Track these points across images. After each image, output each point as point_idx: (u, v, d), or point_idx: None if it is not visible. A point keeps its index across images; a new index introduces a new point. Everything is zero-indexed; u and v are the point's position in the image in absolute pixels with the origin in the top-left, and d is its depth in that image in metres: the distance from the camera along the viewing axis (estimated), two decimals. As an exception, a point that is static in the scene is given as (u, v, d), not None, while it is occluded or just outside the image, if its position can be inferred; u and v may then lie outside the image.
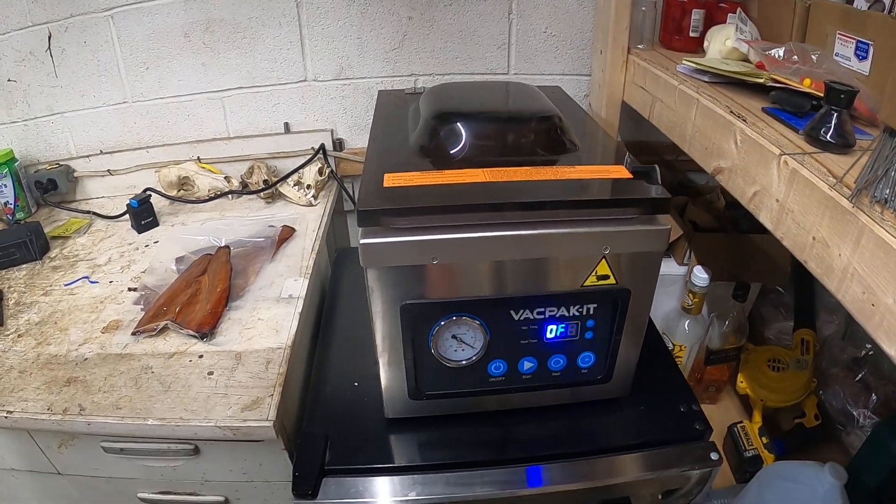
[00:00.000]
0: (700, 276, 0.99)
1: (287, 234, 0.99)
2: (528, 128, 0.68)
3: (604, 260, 0.61)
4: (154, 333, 0.78)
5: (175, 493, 0.79)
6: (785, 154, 0.57)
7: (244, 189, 1.14)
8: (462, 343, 0.66)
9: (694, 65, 0.78)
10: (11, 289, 0.91)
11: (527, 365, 0.69)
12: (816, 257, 0.52)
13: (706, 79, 0.77)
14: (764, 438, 1.01)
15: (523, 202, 0.58)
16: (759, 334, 1.26)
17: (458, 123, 0.67)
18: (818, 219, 0.51)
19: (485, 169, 0.63)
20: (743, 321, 1.06)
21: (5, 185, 1.09)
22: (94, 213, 1.13)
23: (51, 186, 1.14)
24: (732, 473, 1.03)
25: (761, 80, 0.69)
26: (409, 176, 0.62)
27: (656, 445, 0.70)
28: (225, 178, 1.16)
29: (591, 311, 0.66)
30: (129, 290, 0.88)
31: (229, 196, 1.10)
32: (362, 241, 0.56)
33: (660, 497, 0.73)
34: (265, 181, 1.11)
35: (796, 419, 1.05)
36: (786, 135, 0.61)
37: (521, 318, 0.65)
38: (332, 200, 1.16)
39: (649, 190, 0.60)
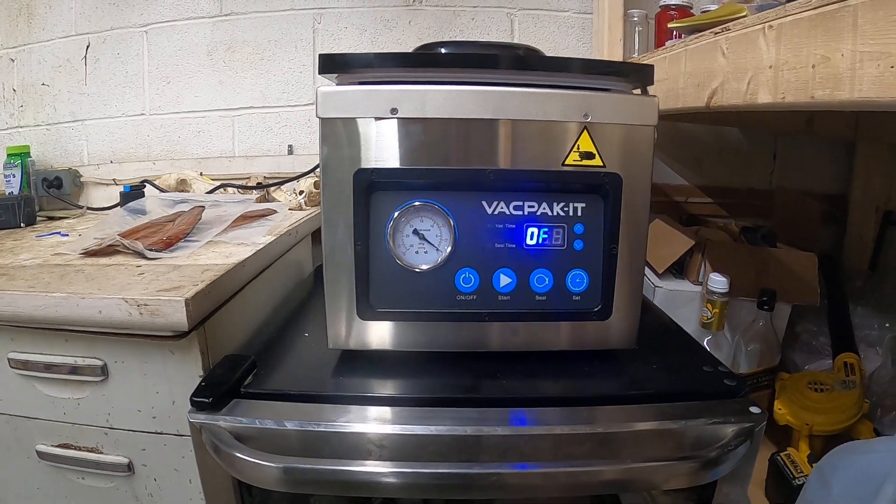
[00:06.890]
0: (717, 279, 0.88)
1: (267, 212, 0.94)
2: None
3: (585, 131, 0.55)
4: (101, 252, 0.72)
5: (76, 448, 0.65)
6: (767, 21, 0.54)
7: (238, 187, 1.13)
8: (424, 242, 0.57)
9: (678, 24, 0.79)
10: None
11: (504, 280, 0.58)
12: (822, 80, 0.46)
13: (691, 34, 0.77)
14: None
15: (492, 56, 0.55)
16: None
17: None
18: (811, 42, 0.46)
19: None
20: (773, 336, 0.91)
21: (13, 176, 1.11)
22: (88, 208, 1.12)
23: (56, 184, 1.15)
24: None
25: (743, 15, 0.68)
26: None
27: (677, 398, 0.55)
28: (221, 185, 1.15)
29: (579, 213, 0.58)
30: (95, 238, 0.83)
31: (222, 190, 1.09)
32: (320, 89, 0.53)
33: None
34: (259, 183, 1.11)
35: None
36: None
37: (495, 213, 0.57)
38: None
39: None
